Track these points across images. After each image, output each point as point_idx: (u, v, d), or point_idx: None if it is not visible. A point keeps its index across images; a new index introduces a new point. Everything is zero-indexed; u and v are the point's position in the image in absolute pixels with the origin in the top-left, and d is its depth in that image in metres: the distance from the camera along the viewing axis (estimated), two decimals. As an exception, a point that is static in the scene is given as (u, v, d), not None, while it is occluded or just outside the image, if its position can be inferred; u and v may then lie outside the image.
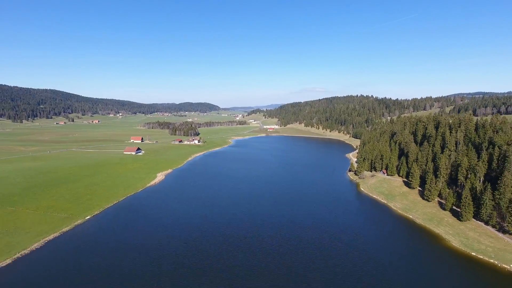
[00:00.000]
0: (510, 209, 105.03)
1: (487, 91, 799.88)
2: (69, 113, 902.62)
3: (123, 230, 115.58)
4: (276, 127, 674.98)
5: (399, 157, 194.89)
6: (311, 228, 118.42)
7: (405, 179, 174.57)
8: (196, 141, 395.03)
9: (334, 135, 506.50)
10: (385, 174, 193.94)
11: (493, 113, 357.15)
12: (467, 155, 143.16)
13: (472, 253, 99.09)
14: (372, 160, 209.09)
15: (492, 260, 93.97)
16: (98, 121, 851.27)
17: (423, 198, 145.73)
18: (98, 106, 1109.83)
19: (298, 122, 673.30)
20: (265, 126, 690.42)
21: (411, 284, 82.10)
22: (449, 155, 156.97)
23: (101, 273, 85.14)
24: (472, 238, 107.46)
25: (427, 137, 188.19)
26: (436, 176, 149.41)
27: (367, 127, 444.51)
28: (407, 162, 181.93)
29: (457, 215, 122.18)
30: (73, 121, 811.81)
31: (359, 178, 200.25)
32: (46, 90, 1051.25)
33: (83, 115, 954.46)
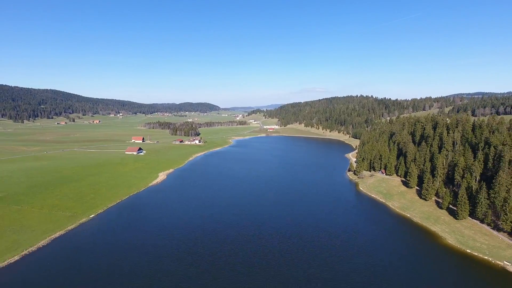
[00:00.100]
0: (505, 207, 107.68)
1: (487, 91, 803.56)
2: (70, 113, 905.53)
3: (127, 228, 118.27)
4: (276, 127, 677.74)
5: (398, 157, 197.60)
6: (311, 227, 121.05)
7: (403, 179, 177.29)
8: (197, 141, 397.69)
9: (334, 135, 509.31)
10: (384, 174, 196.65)
11: (491, 113, 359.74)
12: (463, 155, 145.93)
13: (467, 250, 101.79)
14: (371, 160, 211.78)
15: (486, 257, 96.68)
16: (99, 121, 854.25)
17: (421, 197, 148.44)
18: (98, 106, 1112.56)
19: (298, 122, 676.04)
20: (265, 126, 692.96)
21: (408, 281, 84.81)
22: (446, 155, 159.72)
23: (106, 271, 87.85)
24: (467, 236, 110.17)
25: (425, 137, 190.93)
26: (433, 176, 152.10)
27: (367, 127, 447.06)
28: (405, 162, 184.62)
29: (454, 214, 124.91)
30: (74, 121, 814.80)
31: (358, 177, 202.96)
32: (46, 90, 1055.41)
33: (83, 115, 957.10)
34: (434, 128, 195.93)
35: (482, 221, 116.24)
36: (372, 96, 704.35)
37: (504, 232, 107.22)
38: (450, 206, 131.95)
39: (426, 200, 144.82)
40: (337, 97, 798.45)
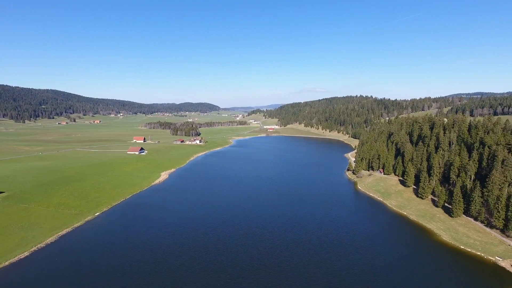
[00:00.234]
0: (498, 205, 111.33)
1: (486, 91, 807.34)
2: (71, 113, 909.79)
3: (131, 226, 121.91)
4: (276, 127, 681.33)
5: (396, 157, 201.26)
6: (310, 225, 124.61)
7: (401, 178, 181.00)
8: (197, 141, 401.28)
9: (334, 135, 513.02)
10: (382, 173, 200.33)
11: (489, 113, 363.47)
12: (459, 155, 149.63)
13: (461, 247, 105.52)
14: (369, 160, 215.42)
15: (479, 253, 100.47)
16: (100, 121, 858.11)
17: (417, 196, 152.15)
18: (99, 106, 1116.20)
19: (298, 123, 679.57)
20: (265, 126, 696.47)
21: (403, 276, 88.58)
22: (443, 155, 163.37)
23: (114, 267, 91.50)
24: (461, 233, 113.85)
25: (422, 138, 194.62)
26: (429, 175, 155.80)
27: (366, 127, 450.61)
28: (403, 162, 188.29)
29: (449, 212, 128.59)
30: (74, 121, 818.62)
31: (357, 177, 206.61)
32: (47, 90, 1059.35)
33: (84, 115, 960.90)
34: (431, 128, 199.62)
35: (476, 219, 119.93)
36: (371, 96, 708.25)
37: (497, 229, 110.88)
38: (446, 204, 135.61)
39: (422, 198, 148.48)
40: (337, 97, 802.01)
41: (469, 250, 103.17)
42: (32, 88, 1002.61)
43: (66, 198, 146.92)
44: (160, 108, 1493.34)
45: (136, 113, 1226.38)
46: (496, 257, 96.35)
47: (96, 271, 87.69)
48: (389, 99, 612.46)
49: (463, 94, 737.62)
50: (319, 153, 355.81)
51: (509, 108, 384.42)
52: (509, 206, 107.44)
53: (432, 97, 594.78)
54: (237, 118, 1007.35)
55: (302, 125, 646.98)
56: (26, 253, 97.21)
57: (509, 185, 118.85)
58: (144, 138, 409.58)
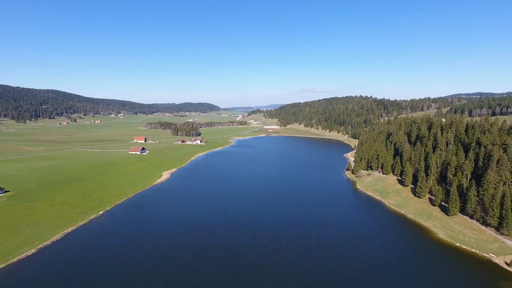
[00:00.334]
0: (492, 204, 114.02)
1: (486, 92, 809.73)
2: (71, 114, 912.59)
3: (134, 224, 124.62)
4: (276, 127, 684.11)
5: (394, 157, 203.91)
6: (310, 224, 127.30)
7: (399, 177, 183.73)
8: (198, 141, 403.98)
9: (333, 135, 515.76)
10: (381, 173, 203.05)
11: (488, 114, 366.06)
12: (456, 155, 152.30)
13: (457, 244, 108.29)
14: (368, 160, 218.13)
15: (474, 250, 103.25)
16: (100, 121, 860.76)
17: (415, 195, 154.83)
18: (99, 106, 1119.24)
19: (297, 123, 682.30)
20: (265, 127, 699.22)
21: (400, 272, 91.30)
22: (440, 155, 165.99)
23: (119, 264, 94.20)
24: (457, 230, 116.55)
25: (420, 138, 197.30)
26: (427, 174, 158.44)
27: (366, 127, 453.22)
28: (401, 161, 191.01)
29: (445, 210, 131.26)
30: (75, 121, 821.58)
31: (356, 176, 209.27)
32: (48, 90, 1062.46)
33: (84, 115, 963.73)
34: (429, 128, 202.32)
35: (471, 217, 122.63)
36: (371, 96, 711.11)
37: (492, 227, 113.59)
38: (442, 203, 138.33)
39: (420, 197, 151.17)
40: (337, 97, 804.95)
41: (465, 247, 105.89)
42: (32, 88, 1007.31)
43: (70, 197, 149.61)
44: (160, 108, 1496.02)
45: (136, 113, 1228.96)
46: (491, 254, 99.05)
47: (105, 267, 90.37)
48: (388, 99, 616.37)
49: (462, 94, 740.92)
50: (318, 153, 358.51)
51: (507, 109, 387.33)
52: (503, 204, 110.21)
53: (432, 97, 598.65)
54: (237, 118, 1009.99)
55: (302, 125, 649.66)
56: (33, 250, 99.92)
57: (504, 184, 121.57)
58: (145, 138, 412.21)
